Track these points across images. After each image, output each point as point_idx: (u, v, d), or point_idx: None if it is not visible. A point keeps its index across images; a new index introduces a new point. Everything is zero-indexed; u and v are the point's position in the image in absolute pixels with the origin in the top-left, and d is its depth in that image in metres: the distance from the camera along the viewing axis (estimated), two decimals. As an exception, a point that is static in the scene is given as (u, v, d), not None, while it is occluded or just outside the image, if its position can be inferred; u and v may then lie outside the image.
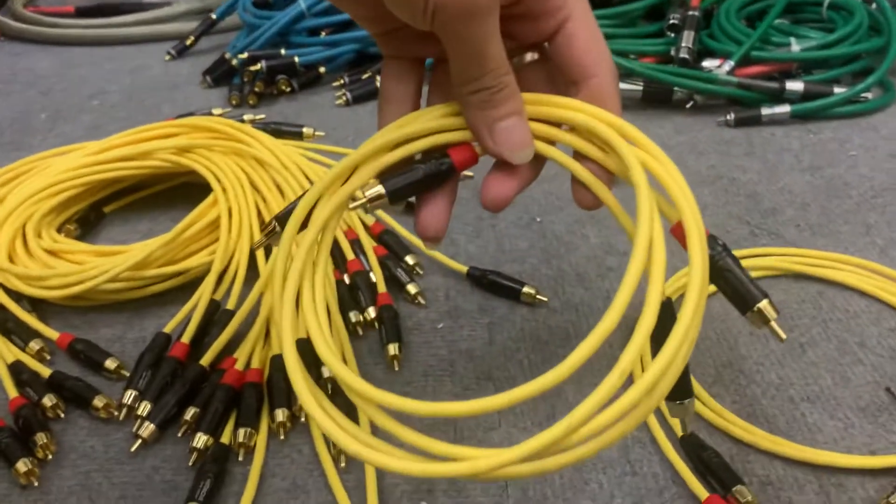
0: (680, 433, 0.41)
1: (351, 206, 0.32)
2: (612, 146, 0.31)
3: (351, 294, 0.51)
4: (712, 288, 0.34)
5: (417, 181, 0.33)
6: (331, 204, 0.33)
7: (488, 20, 0.28)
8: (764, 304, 0.31)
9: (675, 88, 0.74)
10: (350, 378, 0.30)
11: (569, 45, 0.33)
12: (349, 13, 0.34)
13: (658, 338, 0.27)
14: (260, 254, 0.54)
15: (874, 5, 0.78)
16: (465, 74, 0.30)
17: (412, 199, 0.35)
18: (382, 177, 0.33)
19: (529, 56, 0.35)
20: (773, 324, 0.31)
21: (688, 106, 0.75)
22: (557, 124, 0.33)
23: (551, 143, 0.33)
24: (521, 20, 0.33)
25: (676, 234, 0.31)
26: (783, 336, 0.31)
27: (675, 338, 0.27)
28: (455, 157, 0.33)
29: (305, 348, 0.45)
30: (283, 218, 0.35)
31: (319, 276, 0.34)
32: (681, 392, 0.32)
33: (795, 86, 0.71)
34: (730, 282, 0.31)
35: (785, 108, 0.71)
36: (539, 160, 0.34)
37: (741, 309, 0.31)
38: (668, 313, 0.29)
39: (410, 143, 0.33)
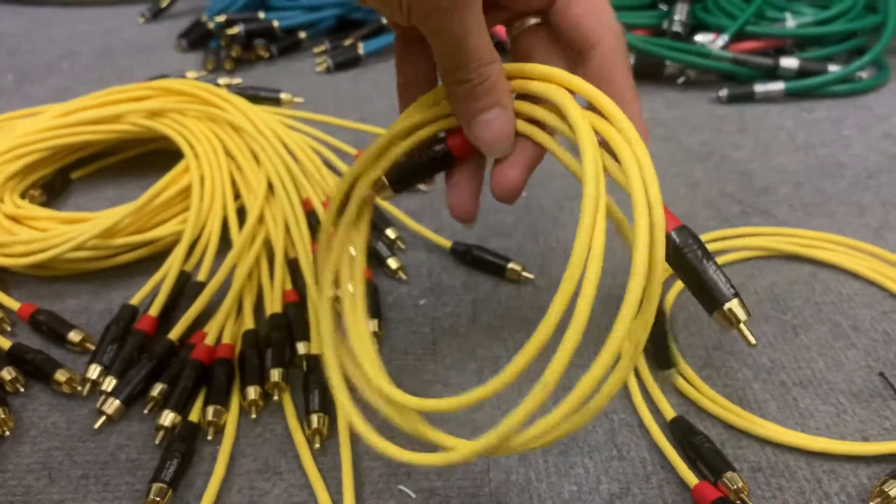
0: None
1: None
2: (563, 111, 0.29)
3: (329, 267, 0.49)
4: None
5: (417, 168, 0.33)
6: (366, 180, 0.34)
7: (465, 14, 0.27)
8: (733, 304, 0.27)
9: (667, 62, 0.72)
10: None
11: (565, 10, 0.31)
12: None
13: None
14: (233, 223, 0.52)
15: (870, -18, 0.77)
16: (446, 66, 0.30)
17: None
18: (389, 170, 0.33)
19: (533, 20, 0.33)
20: (743, 326, 0.27)
21: (680, 81, 0.73)
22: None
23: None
24: None
25: None
26: (753, 341, 0.28)
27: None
28: (452, 142, 0.32)
29: (281, 322, 0.43)
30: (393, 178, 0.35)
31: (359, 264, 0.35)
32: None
33: (790, 62, 0.70)
34: (695, 276, 0.28)
35: (779, 86, 0.69)
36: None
37: (708, 308, 0.28)
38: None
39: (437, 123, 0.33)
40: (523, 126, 0.31)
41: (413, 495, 0.37)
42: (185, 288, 0.48)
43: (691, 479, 0.36)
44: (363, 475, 0.38)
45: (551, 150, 0.31)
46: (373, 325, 0.45)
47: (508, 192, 0.31)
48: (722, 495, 0.35)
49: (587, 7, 0.31)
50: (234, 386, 0.42)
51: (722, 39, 0.72)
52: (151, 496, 0.36)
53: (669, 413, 0.40)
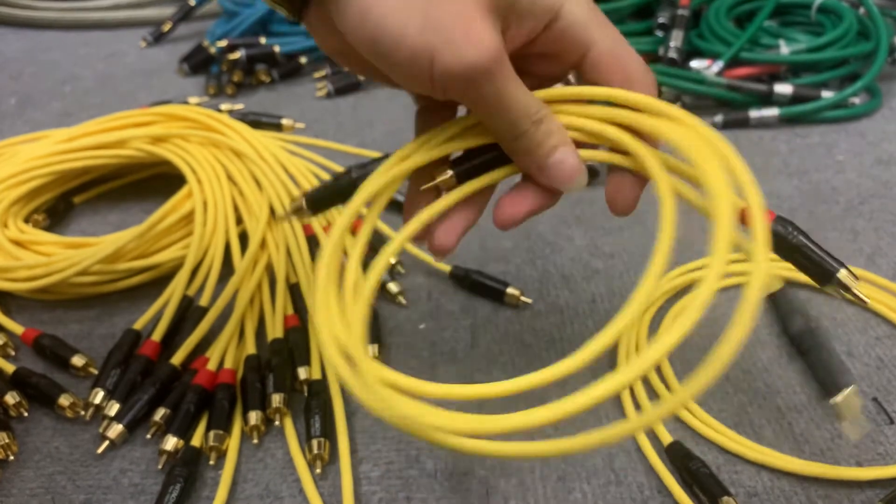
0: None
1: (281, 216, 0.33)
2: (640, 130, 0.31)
3: (330, 292, 0.49)
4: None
5: (339, 190, 0.33)
6: (381, 179, 0.32)
7: (496, 76, 0.28)
8: (843, 274, 0.31)
9: (663, 88, 0.73)
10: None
11: (597, 73, 0.31)
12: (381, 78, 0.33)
13: None
14: (236, 248, 0.52)
15: (862, 10, 0.78)
16: (498, 128, 0.31)
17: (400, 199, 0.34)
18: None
19: (572, 76, 0.34)
20: (856, 290, 0.31)
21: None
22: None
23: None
24: (539, 59, 0.32)
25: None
26: (867, 300, 0.33)
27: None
28: None
29: (283, 347, 0.44)
30: (312, 195, 0.34)
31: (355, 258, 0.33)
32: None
33: (784, 88, 0.71)
34: (803, 257, 0.31)
35: (773, 111, 0.70)
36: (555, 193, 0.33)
37: (822, 281, 0.31)
38: None
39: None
40: (586, 154, 0.32)
41: (413, 520, 0.37)
42: (188, 313, 0.48)
43: (688, 504, 0.37)
44: (364, 500, 0.38)
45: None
46: (373, 349, 0.46)
47: (507, 223, 0.33)
48: (718, 520, 0.35)
49: (616, 64, 0.31)
50: (236, 411, 0.42)
51: (717, 66, 0.73)
52: (154, 521, 0.36)
53: (666, 438, 0.40)
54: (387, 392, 0.28)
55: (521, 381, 0.27)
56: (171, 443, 0.40)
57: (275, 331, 0.46)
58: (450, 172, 0.33)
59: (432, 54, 0.28)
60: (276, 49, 0.83)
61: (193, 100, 0.76)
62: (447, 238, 0.33)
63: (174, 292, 0.49)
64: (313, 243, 0.53)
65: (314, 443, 0.40)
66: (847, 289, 0.31)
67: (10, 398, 0.43)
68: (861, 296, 0.31)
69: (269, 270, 0.51)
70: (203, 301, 0.49)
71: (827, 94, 0.71)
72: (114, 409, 0.42)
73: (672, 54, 0.74)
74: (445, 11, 0.28)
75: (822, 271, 0.31)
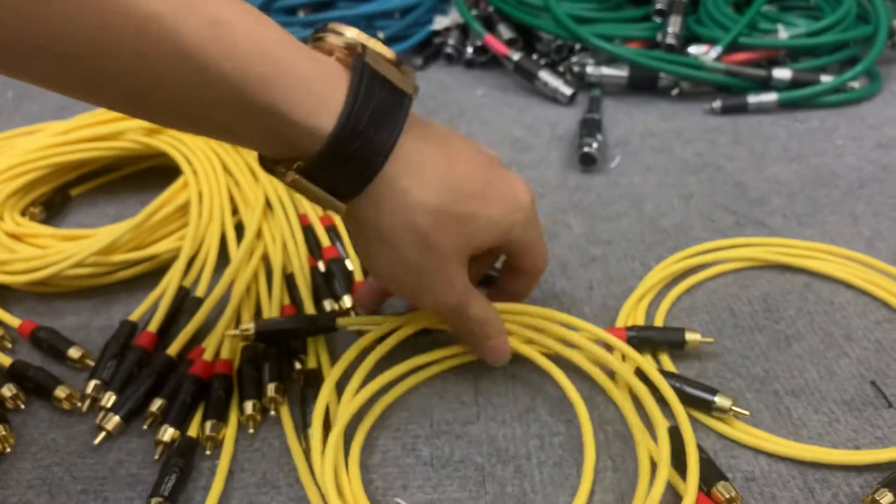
0: None
1: (229, 332, 0.44)
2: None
3: (326, 282, 0.49)
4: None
5: (287, 330, 0.45)
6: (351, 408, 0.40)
7: (461, 308, 0.39)
8: (719, 399, 0.40)
9: (661, 74, 0.72)
10: None
11: (522, 265, 0.43)
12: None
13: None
14: (232, 239, 0.52)
15: (862, -7, 0.77)
16: (455, 330, 0.43)
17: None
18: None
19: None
20: (734, 408, 0.40)
21: (674, 92, 0.73)
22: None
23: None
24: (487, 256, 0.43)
25: None
26: (747, 413, 0.40)
27: None
28: None
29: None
30: (260, 328, 0.44)
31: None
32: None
33: (783, 73, 0.70)
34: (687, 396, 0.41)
35: (772, 96, 0.69)
36: None
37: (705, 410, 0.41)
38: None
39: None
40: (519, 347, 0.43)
41: (409, 508, 0.37)
42: (184, 303, 0.48)
43: (684, 488, 0.37)
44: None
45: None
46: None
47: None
48: (715, 505, 0.36)
49: (532, 267, 0.43)
50: (233, 401, 0.42)
51: (715, 51, 0.72)
52: (151, 511, 0.36)
53: (663, 423, 0.40)
54: None
55: None
56: (167, 433, 0.40)
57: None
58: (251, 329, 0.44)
59: (416, 298, 0.40)
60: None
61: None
62: (369, 302, 0.47)
63: (170, 283, 0.49)
64: (309, 233, 0.53)
65: (311, 432, 0.40)
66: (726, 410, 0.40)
67: (7, 390, 0.43)
68: (741, 411, 0.40)
69: (266, 261, 0.51)
70: (199, 292, 0.49)
71: (826, 79, 0.70)
72: (110, 400, 0.42)
73: (670, 40, 0.74)
74: (435, 274, 0.37)
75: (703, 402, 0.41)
